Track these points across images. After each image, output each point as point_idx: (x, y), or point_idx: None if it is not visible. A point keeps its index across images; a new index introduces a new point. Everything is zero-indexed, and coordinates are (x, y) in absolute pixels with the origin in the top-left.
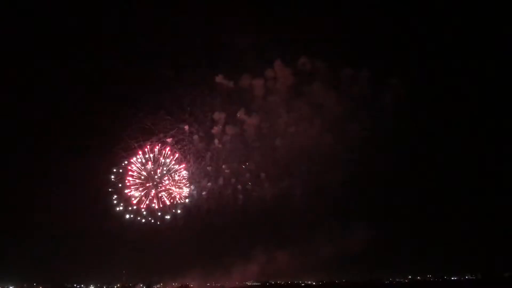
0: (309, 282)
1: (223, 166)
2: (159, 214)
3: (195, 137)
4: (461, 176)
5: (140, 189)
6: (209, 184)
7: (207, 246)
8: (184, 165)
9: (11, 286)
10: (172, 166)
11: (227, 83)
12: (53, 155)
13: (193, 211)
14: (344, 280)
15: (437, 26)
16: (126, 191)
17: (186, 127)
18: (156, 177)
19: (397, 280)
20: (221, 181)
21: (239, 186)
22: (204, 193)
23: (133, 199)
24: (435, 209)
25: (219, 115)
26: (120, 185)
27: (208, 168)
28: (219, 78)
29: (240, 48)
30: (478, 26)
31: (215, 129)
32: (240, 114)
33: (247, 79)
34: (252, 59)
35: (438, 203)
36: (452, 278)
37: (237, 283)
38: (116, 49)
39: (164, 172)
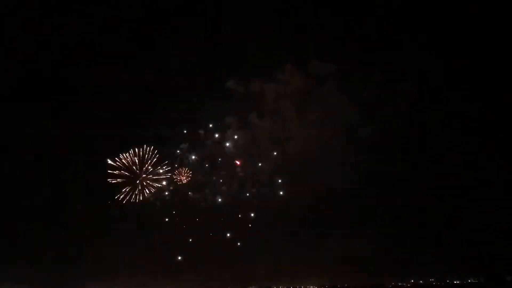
0: (311, 286)
1: (238, 170)
2: None
3: (209, 141)
4: (467, 179)
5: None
6: (223, 188)
7: (211, 249)
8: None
9: None
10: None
11: (238, 87)
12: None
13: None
14: (346, 285)
15: (452, 27)
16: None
17: (201, 132)
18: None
19: (399, 284)
20: (235, 185)
21: (254, 190)
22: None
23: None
24: (438, 212)
25: (231, 120)
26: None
27: (222, 173)
28: (230, 83)
29: (251, 51)
30: (495, 27)
31: (228, 134)
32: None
33: (258, 83)
34: (263, 62)
35: (442, 207)
36: (455, 282)
37: None
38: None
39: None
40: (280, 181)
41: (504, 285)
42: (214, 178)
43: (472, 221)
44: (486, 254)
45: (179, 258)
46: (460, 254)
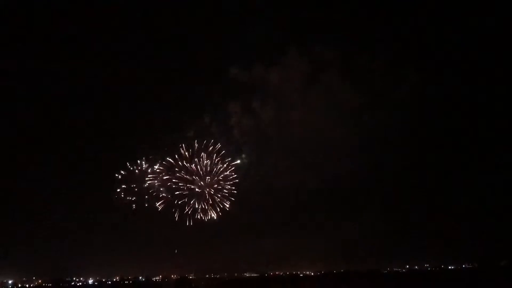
0: (308, 272)
1: (243, 156)
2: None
3: (214, 129)
4: (464, 167)
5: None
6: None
7: (212, 238)
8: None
9: (10, 279)
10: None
11: (242, 73)
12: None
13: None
14: (342, 270)
15: (456, 14)
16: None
17: (206, 120)
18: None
19: (395, 269)
20: (240, 173)
21: (258, 178)
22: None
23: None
24: (433, 200)
25: (234, 107)
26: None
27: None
28: (233, 69)
29: (254, 36)
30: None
31: (232, 120)
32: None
33: (261, 69)
34: (266, 48)
35: (437, 195)
36: (450, 267)
37: (235, 274)
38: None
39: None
40: (282, 167)
41: (498, 270)
42: (220, 164)
43: (467, 209)
44: (480, 240)
45: (175, 245)
46: (455, 240)
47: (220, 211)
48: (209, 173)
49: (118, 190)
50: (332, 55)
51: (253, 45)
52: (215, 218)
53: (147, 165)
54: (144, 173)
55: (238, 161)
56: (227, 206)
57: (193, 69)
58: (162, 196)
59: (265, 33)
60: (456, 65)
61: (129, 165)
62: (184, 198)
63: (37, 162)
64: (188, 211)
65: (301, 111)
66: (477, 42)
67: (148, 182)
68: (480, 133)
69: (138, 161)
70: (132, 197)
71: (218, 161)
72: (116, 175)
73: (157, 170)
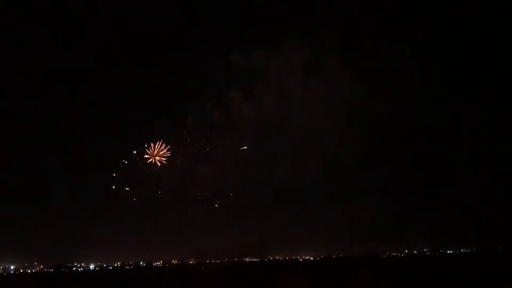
0: (307, 257)
1: (245, 142)
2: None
3: (215, 114)
4: (465, 155)
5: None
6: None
7: (213, 222)
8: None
9: (12, 265)
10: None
11: (242, 59)
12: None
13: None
14: (341, 255)
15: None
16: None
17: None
18: None
19: (394, 254)
20: (241, 159)
21: (258, 164)
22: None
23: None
24: (433, 185)
25: (235, 93)
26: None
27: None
28: (233, 55)
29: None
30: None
31: (233, 106)
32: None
33: (262, 55)
34: (267, 33)
35: (437, 179)
36: (448, 252)
37: (236, 259)
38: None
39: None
40: (282, 153)
41: (497, 254)
42: (219, 150)
43: (466, 194)
44: (479, 225)
45: (176, 229)
46: (453, 224)
47: (221, 197)
48: (211, 159)
49: (118, 178)
50: (333, 41)
51: (253, 31)
52: (216, 205)
53: (149, 152)
54: (145, 161)
55: (245, 147)
56: (229, 193)
57: (193, 55)
58: (164, 183)
59: (266, 19)
60: (458, 51)
61: (131, 153)
62: (185, 185)
63: (38, 150)
64: (189, 198)
65: (302, 98)
66: (479, 27)
67: (149, 169)
68: (481, 118)
69: (135, 152)
70: (133, 186)
71: (219, 147)
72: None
73: (158, 158)
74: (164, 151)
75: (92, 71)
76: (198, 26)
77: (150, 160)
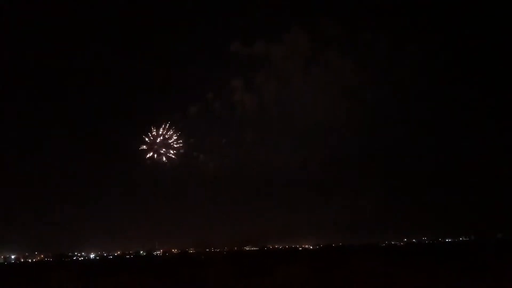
0: (307, 246)
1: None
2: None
3: (217, 104)
4: (464, 144)
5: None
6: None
7: (216, 211)
8: None
9: (13, 254)
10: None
11: (243, 49)
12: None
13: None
14: (340, 244)
15: None
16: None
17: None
18: None
19: (393, 242)
20: (242, 149)
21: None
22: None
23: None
24: (431, 174)
25: (237, 82)
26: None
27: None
28: (234, 45)
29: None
30: None
31: (235, 96)
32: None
33: (262, 44)
34: (268, 23)
35: (436, 169)
36: (447, 240)
37: (235, 248)
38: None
39: None
40: (283, 143)
41: (495, 242)
42: (224, 140)
43: (465, 182)
44: (477, 213)
45: (176, 219)
46: (452, 213)
47: (222, 186)
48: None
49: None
50: (334, 31)
51: (255, 22)
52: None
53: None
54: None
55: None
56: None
57: (195, 44)
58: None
59: (267, 9)
60: (459, 42)
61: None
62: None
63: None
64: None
65: (303, 88)
66: (480, 19)
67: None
68: (480, 108)
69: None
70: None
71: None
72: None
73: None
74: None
75: (92, 70)
76: (199, 16)
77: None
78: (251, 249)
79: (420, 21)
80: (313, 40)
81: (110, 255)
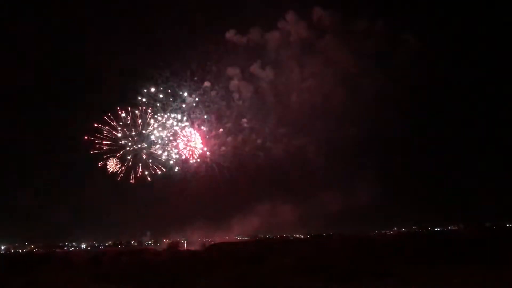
0: (298, 235)
1: (244, 120)
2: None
3: (213, 93)
4: (457, 134)
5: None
6: (229, 139)
7: (208, 202)
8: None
9: (3, 245)
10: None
11: (239, 37)
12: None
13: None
14: (331, 233)
15: None
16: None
17: (206, 84)
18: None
19: (383, 231)
20: (240, 137)
21: (259, 141)
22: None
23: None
24: (420, 163)
25: (233, 71)
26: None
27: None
28: (230, 33)
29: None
30: None
31: (232, 85)
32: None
33: (259, 32)
34: (263, 10)
35: (425, 159)
36: (436, 229)
37: (227, 237)
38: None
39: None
40: (280, 132)
41: (483, 230)
42: (221, 130)
43: (453, 172)
44: (466, 202)
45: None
46: (441, 203)
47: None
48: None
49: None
50: (331, 19)
51: (250, 9)
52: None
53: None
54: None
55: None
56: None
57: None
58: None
59: None
60: (457, 30)
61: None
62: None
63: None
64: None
65: (300, 77)
66: (479, 7)
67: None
68: (480, 99)
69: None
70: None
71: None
72: None
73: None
74: None
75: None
76: (194, 4)
77: None
78: (243, 239)
79: (419, 10)
80: (310, 27)
81: (101, 245)
